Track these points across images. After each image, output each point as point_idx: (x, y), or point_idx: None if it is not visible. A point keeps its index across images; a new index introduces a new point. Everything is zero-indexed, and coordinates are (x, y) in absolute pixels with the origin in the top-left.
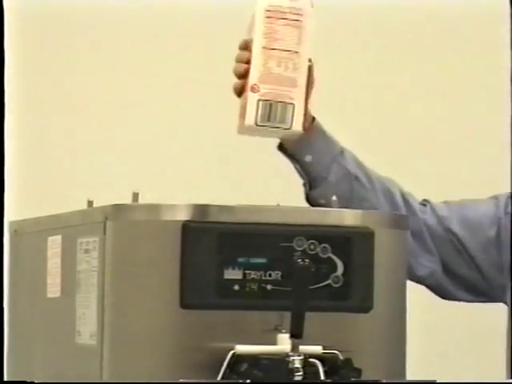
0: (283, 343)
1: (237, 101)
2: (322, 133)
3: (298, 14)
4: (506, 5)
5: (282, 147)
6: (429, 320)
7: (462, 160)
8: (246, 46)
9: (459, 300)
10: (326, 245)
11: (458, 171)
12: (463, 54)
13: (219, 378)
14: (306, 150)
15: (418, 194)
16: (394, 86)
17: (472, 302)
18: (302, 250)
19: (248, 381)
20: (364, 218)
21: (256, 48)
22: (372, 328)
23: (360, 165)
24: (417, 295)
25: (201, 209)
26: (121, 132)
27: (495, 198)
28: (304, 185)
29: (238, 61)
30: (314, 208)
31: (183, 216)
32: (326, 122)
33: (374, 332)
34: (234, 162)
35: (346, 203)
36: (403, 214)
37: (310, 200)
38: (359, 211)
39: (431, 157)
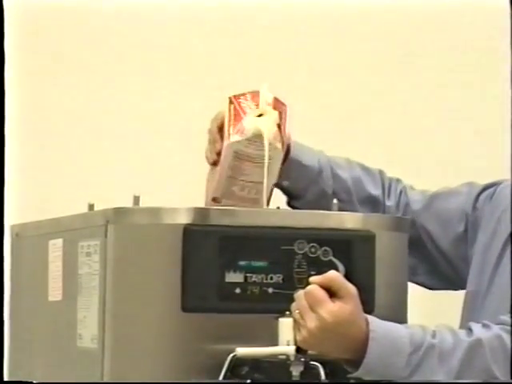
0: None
1: None
2: (298, 162)
3: (263, 160)
4: (506, 5)
5: None
6: (429, 322)
7: (461, 159)
8: (218, 131)
9: (419, 284)
10: (327, 248)
11: (457, 171)
12: (463, 54)
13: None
14: (282, 178)
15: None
16: (393, 85)
17: (432, 287)
18: (303, 253)
19: (248, 381)
20: (365, 221)
21: (221, 175)
22: None
23: (340, 179)
24: (418, 297)
25: (202, 212)
26: (122, 135)
27: (470, 186)
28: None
29: (210, 150)
30: (314, 211)
31: (184, 219)
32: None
33: None
34: None
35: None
36: (404, 217)
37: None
38: (360, 214)
39: (431, 156)
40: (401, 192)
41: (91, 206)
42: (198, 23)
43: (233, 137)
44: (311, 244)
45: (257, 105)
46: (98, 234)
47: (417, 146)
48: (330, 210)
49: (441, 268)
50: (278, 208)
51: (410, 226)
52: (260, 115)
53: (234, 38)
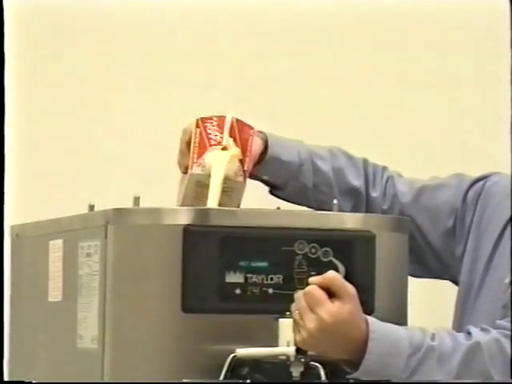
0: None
1: (240, 103)
2: (277, 159)
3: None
4: (506, 5)
5: None
6: (430, 323)
7: (461, 160)
8: (186, 146)
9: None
10: (328, 248)
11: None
12: (463, 54)
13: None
14: (261, 172)
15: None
16: (393, 85)
17: (419, 276)
18: (304, 254)
19: (248, 381)
20: (365, 221)
21: (186, 194)
22: None
23: (320, 172)
24: (418, 297)
25: (202, 213)
26: (122, 136)
27: (459, 179)
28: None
29: (179, 161)
30: (315, 212)
31: (184, 220)
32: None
33: None
34: None
35: (306, 205)
36: (404, 218)
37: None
38: (360, 214)
39: (431, 156)
40: (387, 181)
41: (91, 207)
42: (198, 23)
43: (195, 169)
44: (311, 244)
45: (222, 132)
46: (98, 234)
47: (417, 145)
48: (310, 203)
49: (428, 260)
50: (279, 208)
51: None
52: (223, 148)
53: (235, 38)
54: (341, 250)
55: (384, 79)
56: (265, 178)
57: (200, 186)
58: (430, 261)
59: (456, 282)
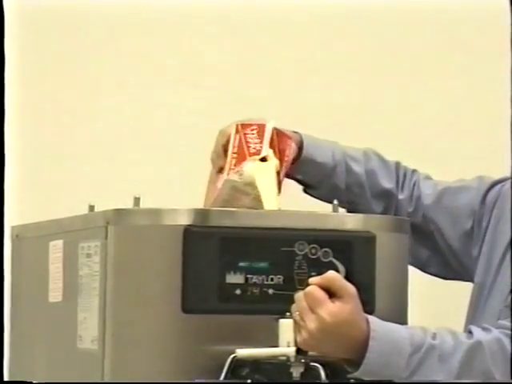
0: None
1: (240, 103)
2: (311, 160)
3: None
4: (506, 5)
5: None
6: (430, 322)
7: (461, 159)
8: (222, 148)
9: (432, 275)
10: (328, 249)
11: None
12: (463, 54)
13: None
14: (296, 172)
15: None
16: (392, 83)
17: (444, 278)
18: (304, 255)
19: (249, 381)
20: (365, 222)
21: (218, 196)
22: None
23: (353, 174)
24: (418, 297)
25: (202, 213)
26: (122, 136)
27: (480, 181)
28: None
29: (214, 161)
30: (315, 212)
31: (185, 220)
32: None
33: None
34: None
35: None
36: (404, 218)
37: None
38: (360, 215)
39: (431, 156)
40: (414, 184)
41: (91, 207)
42: (199, 23)
43: (232, 175)
44: (312, 245)
45: (261, 141)
46: (98, 235)
47: (417, 145)
48: (342, 203)
49: (450, 261)
50: (279, 209)
51: (422, 218)
52: (263, 158)
53: (235, 38)
54: (341, 250)
55: (384, 79)
56: (299, 177)
57: (234, 190)
58: (453, 262)
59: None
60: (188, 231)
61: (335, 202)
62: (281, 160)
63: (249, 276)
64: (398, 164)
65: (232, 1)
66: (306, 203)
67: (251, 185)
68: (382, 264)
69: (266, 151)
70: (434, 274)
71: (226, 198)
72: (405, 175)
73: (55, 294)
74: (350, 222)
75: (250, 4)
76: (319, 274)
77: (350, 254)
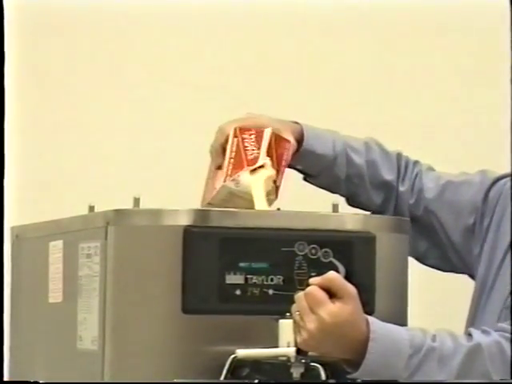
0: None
1: (240, 103)
2: (311, 152)
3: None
4: (506, 5)
5: None
6: (430, 323)
7: (461, 159)
8: (220, 147)
9: (431, 267)
10: (328, 249)
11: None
12: (462, 54)
13: None
14: (296, 162)
15: None
16: (392, 83)
17: (443, 270)
18: (304, 255)
19: (247, 381)
20: (365, 222)
21: (215, 196)
22: None
23: (354, 165)
24: (418, 297)
25: (202, 214)
26: (122, 137)
27: (483, 175)
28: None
29: (213, 159)
30: (315, 213)
31: (185, 221)
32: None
33: None
34: None
35: (338, 194)
36: (404, 218)
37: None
38: (360, 215)
39: (431, 156)
40: (416, 176)
41: (91, 208)
42: (199, 23)
43: (229, 182)
44: (312, 245)
45: (259, 148)
46: (98, 235)
47: (416, 145)
48: (342, 193)
49: (450, 255)
50: (279, 209)
51: (424, 211)
52: (261, 166)
53: (235, 38)
54: (341, 250)
55: (384, 79)
56: (299, 167)
57: (231, 195)
58: (453, 257)
59: (474, 280)
60: (188, 232)
61: (335, 202)
62: (278, 163)
63: (249, 276)
64: (399, 155)
65: (232, 1)
66: (306, 203)
67: (247, 195)
68: (382, 264)
69: (264, 160)
70: (432, 265)
71: (223, 197)
72: (406, 167)
73: (55, 295)
74: (350, 222)
75: (249, 4)
76: (319, 274)
77: (350, 254)
